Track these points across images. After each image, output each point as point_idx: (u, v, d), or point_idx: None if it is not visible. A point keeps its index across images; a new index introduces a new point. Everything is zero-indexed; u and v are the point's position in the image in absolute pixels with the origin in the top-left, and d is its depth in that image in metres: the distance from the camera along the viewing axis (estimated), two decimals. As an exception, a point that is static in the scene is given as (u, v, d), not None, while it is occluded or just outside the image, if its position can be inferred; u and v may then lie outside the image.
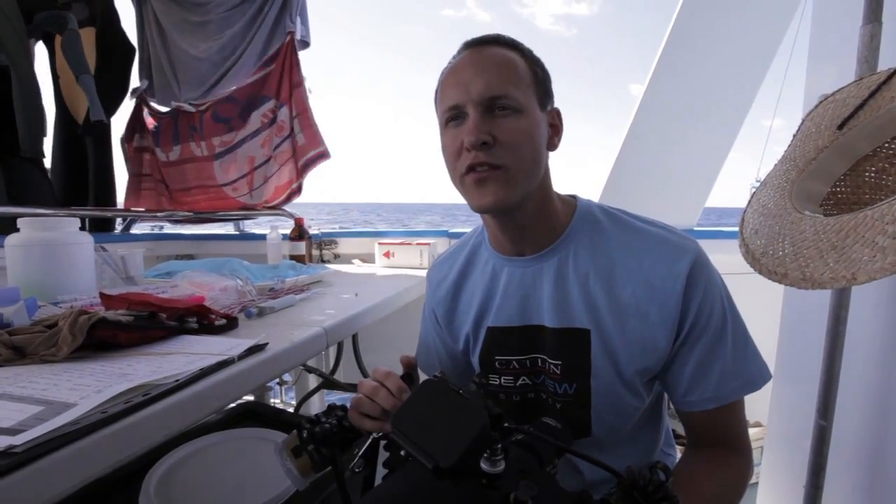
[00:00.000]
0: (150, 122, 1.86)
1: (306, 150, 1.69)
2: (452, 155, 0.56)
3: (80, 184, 1.78)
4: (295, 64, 1.68)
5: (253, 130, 1.73)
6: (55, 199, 1.67)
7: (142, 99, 1.85)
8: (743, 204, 0.59)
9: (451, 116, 0.55)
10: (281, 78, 1.68)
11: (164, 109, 1.86)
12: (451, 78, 0.56)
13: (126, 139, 1.88)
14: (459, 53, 0.57)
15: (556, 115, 0.60)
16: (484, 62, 0.54)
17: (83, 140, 1.75)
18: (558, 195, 0.62)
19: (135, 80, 1.87)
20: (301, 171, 1.70)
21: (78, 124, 1.75)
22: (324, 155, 1.69)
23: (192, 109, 1.77)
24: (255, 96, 1.72)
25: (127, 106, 1.86)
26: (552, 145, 0.59)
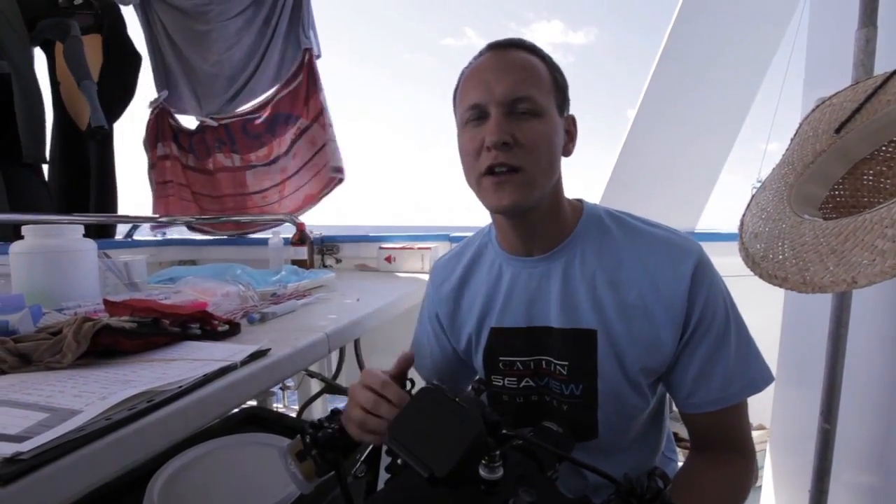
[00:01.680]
0: (183, 138, 1.91)
1: (337, 166, 1.78)
2: (471, 154, 0.56)
3: (81, 189, 1.79)
4: (318, 81, 1.74)
5: (286, 148, 1.81)
6: (53, 205, 1.68)
7: (163, 109, 1.88)
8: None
9: (472, 116, 0.56)
10: (308, 96, 1.74)
11: (192, 127, 1.92)
12: (473, 77, 0.57)
13: (149, 147, 1.90)
14: (482, 54, 0.58)
15: (572, 121, 0.61)
16: (508, 64, 0.55)
17: (84, 145, 1.76)
18: (567, 199, 0.63)
19: (150, 89, 1.89)
20: (326, 185, 1.79)
21: (80, 129, 1.76)
22: (339, 180, 1.78)
23: (215, 124, 1.85)
24: (283, 114, 1.79)
25: (145, 113, 1.89)
26: (567, 151, 0.60)
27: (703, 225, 1.83)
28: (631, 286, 0.57)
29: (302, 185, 1.82)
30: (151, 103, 1.87)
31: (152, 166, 1.89)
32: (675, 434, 0.77)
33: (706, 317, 0.56)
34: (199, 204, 1.94)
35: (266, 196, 1.88)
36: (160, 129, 1.88)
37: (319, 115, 1.74)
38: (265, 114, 1.81)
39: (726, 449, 0.58)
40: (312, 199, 1.82)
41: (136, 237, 1.96)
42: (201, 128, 1.89)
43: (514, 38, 0.58)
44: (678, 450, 0.76)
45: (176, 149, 1.89)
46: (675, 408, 0.65)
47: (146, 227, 1.96)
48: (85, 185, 1.79)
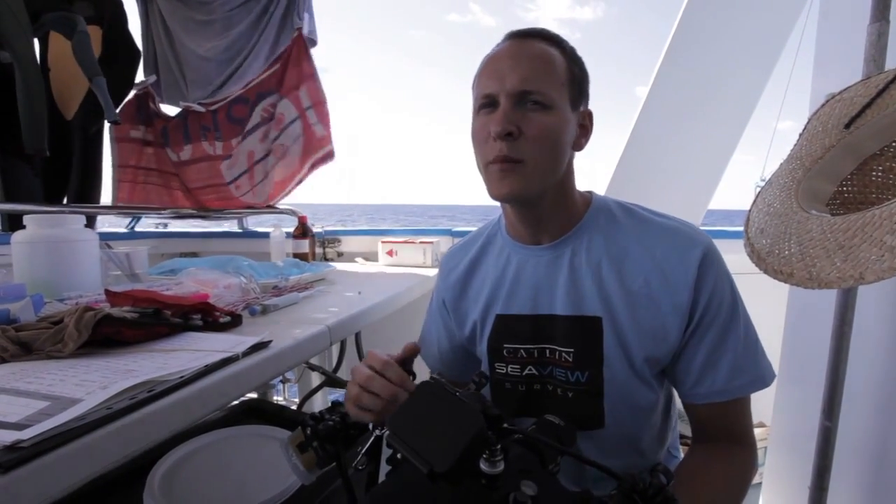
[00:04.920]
0: (158, 123, 1.86)
1: (323, 143, 1.66)
2: (480, 141, 0.57)
3: (61, 179, 1.76)
4: (305, 57, 1.66)
5: (253, 125, 1.71)
6: (46, 197, 1.67)
7: (147, 93, 1.85)
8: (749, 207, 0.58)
9: (484, 104, 0.56)
10: (285, 72, 1.66)
11: (172, 113, 1.87)
12: (489, 66, 0.57)
13: (119, 127, 1.83)
14: (502, 42, 0.58)
15: (588, 116, 0.61)
16: (522, 55, 0.55)
17: (68, 135, 1.75)
18: (577, 191, 0.63)
19: (140, 75, 1.87)
20: (311, 167, 1.68)
21: (65, 119, 1.73)
22: (329, 155, 1.67)
23: (202, 109, 1.78)
24: (261, 93, 1.72)
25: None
26: (578, 146, 0.60)
27: (711, 206, 1.81)
28: (637, 274, 0.57)
29: (269, 169, 1.70)
30: (137, 85, 1.83)
31: (116, 143, 1.82)
32: (680, 433, 0.77)
33: (712, 306, 0.55)
34: (192, 195, 1.89)
35: (238, 185, 1.77)
36: (139, 112, 1.83)
37: (308, 92, 1.64)
38: (250, 94, 1.72)
39: (728, 441, 0.58)
40: (285, 187, 1.71)
41: (138, 229, 1.96)
42: (183, 114, 1.82)
43: (536, 28, 0.58)
44: (680, 447, 0.76)
45: (151, 135, 1.85)
46: (680, 406, 0.65)
47: (147, 218, 1.95)
48: (64, 175, 1.77)
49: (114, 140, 1.82)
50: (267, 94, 1.70)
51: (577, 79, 0.58)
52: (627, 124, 1.69)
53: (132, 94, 1.83)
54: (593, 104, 0.62)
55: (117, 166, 1.83)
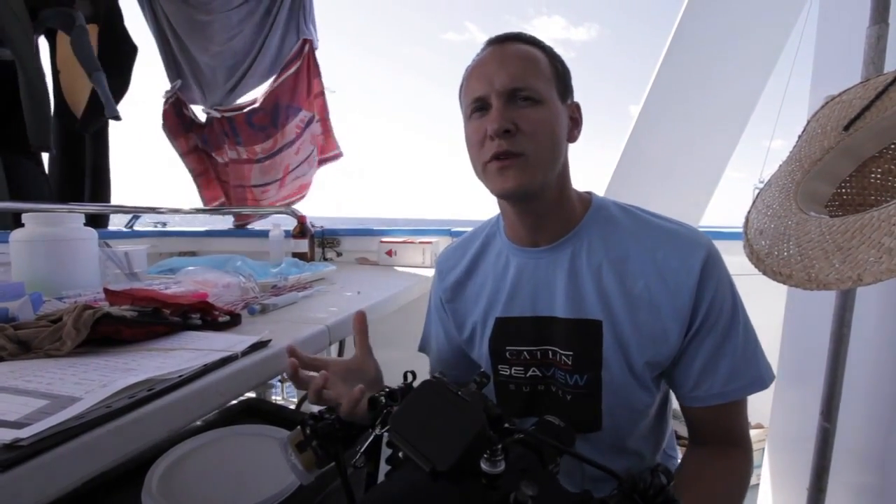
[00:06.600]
0: (196, 130, 1.92)
1: (323, 152, 1.81)
2: (476, 144, 0.58)
3: (78, 180, 1.78)
4: (316, 73, 1.75)
5: (290, 140, 1.81)
6: (52, 194, 1.68)
7: (178, 99, 1.87)
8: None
9: (476, 108, 0.57)
10: (310, 88, 1.75)
11: (202, 120, 1.93)
12: (475, 72, 0.58)
13: (174, 136, 1.88)
14: (483, 50, 0.59)
15: (576, 108, 0.62)
16: (507, 56, 0.56)
17: (81, 136, 1.76)
18: (576, 191, 0.63)
19: (164, 81, 1.90)
20: (320, 165, 1.83)
21: (76, 120, 1.75)
22: (337, 155, 1.82)
23: (219, 115, 1.85)
24: (284, 105, 1.78)
25: (158, 103, 1.89)
26: (572, 137, 0.61)
27: (705, 221, 1.83)
28: (637, 277, 0.57)
29: (299, 176, 1.84)
30: (166, 93, 1.86)
31: (184, 155, 1.90)
32: (675, 432, 0.77)
33: (713, 311, 0.55)
34: (231, 193, 1.97)
35: (266, 190, 1.88)
36: (181, 120, 1.88)
37: (315, 108, 1.75)
38: (267, 104, 1.79)
39: (726, 443, 0.59)
40: (306, 188, 1.86)
41: (137, 227, 1.95)
42: (210, 120, 1.89)
43: (512, 32, 0.60)
44: (678, 447, 0.76)
45: (197, 140, 1.91)
46: (675, 405, 0.65)
47: (146, 217, 1.97)
48: (81, 176, 1.79)
49: (182, 155, 1.91)
50: (296, 109, 1.78)
51: (560, 74, 0.59)
52: (621, 142, 1.70)
53: (165, 103, 1.86)
54: (586, 122, 0.64)
55: (196, 175, 1.93)
